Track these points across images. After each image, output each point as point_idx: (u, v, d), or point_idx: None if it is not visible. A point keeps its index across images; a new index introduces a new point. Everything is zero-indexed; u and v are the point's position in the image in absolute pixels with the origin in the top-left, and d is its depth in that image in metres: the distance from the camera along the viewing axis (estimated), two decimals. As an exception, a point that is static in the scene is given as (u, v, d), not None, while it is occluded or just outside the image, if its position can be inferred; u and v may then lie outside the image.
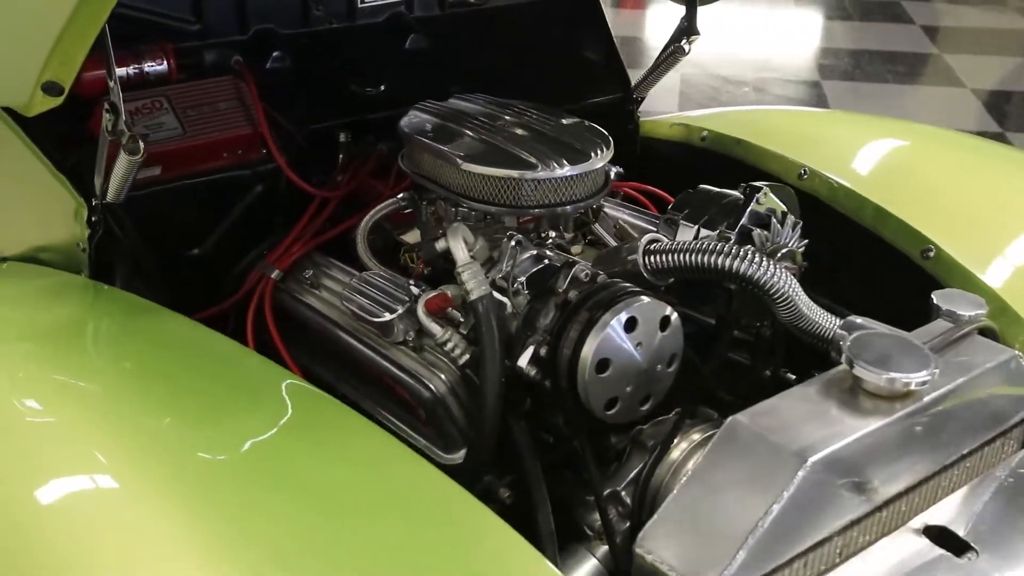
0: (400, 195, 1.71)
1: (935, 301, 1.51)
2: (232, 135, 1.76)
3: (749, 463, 1.19)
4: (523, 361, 1.39)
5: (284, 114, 1.88)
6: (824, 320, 1.49)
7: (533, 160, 1.58)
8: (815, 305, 1.51)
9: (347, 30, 2.02)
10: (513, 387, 1.43)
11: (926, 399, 1.28)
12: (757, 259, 1.46)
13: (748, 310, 1.58)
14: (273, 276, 1.71)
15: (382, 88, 2.02)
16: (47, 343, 1.39)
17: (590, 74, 2.27)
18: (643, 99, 2.25)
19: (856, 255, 1.90)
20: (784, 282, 1.48)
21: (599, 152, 1.64)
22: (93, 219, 1.59)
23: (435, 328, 1.46)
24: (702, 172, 2.20)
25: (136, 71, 1.74)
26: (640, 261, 1.52)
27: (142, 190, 1.69)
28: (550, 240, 1.68)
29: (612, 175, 1.73)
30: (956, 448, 1.34)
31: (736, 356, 1.66)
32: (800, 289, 1.50)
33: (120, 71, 1.72)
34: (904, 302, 1.53)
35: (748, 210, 1.60)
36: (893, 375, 1.24)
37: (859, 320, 1.53)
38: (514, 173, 1.57)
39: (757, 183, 1.64)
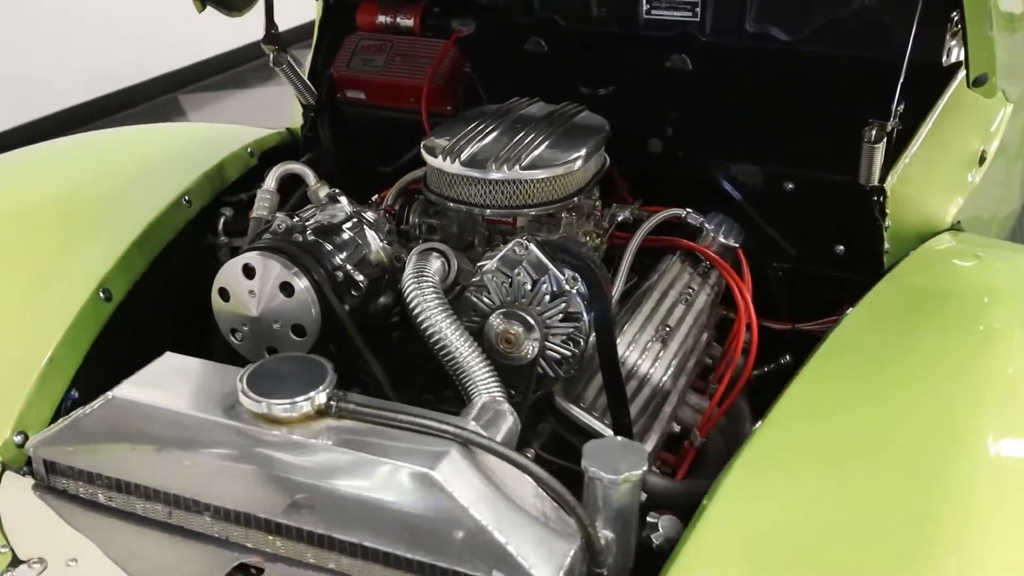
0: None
1: (586, 464, 1.26)
2: (415, 84, 2.16)
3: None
4: None
5: (503, 88, 2.17)
6: (480, 380, 1.43)
7: (461, 159, 1.68)
8: (482, 365, 1.43)
9: (618, 35, 2.13)
10: None
11: (276, 436, 1.24)
12: (427, 293, 1.44)
13: None
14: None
15: (611, 89, 2.11)
16: None
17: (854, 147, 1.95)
18: (882, 189, 1.85)
19: None
20: (440, 325, 1.43)
21: (518, 167, 1.66)
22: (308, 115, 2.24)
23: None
24: None
25: (391, 21, 2.26)
26: (412, 259, 1.59)
27: (350, 108, 2.25)
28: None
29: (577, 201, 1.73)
30: (317, 521, 1.23)
31: None
32: (469, 343, 1.44)
33: (381, 18, 2.28)
34: None
35: (501, 254, 1.49)
36: (234, 385, 1.26)
37: (486, 400, 1.40)
38: (438, 162, 1.72)
39: (533, 237, 1.51)
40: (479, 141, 1.74)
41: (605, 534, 1.25)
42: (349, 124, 2.26)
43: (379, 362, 1.62)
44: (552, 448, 1.55)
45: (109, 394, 1.31)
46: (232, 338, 1.59)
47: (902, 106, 1.74)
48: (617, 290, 1.71)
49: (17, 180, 1.94)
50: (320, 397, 1.24)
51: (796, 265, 1.99)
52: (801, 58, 1.98)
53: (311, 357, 1.31)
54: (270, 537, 1.27)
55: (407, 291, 1.46)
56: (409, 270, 1.49)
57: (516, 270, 1.48)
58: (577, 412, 1.57)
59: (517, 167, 1.67)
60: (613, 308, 1.68)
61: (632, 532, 1.28)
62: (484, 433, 1.26)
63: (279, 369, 1.29)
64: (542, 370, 1.50)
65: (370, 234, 1.67)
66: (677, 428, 1.76)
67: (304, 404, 1.23)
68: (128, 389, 1.32)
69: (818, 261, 1.95)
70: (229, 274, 1.55)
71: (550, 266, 1.47)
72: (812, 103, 1.94)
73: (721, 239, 1.85)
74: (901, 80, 1.74)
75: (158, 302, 1.74)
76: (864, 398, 1.36)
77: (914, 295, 1.69)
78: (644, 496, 1.59)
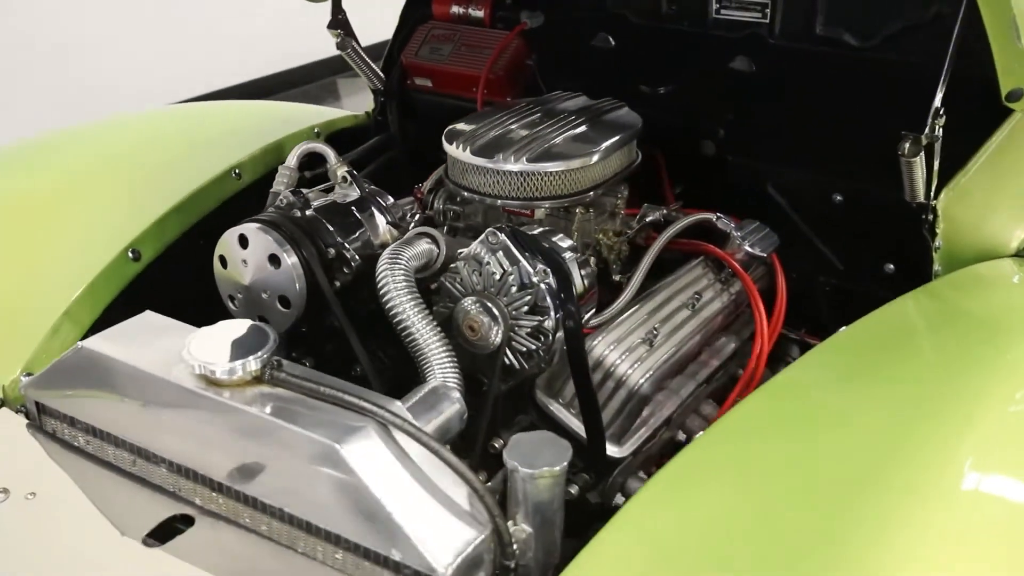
0: None
1: (506, 456, 1.25)
2: (477, 74, 2.18)
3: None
4: None
5: (563, 82, 2.17)
6: (437, 364, 1.44)
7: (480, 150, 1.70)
8: (441, 350, 1.45)
9: (686, 33, 2.09)
10: None
11: (211, 397, 1.30)
12: (396, 275, 1.47)
13: None
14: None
15: (670, 88, 2.08)
16: None
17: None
18: (932, 207, 1.74)
19: None
20: (404, 306, 1.46)
21: (523, 160, 1.66)
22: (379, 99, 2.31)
23: None
24: None
25: (463, 11, 2.29)
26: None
27: (418, 95, 2.30)
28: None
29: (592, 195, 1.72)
30: (247, 484, 1.28)
31: None
32: (431, 327, 1.45)
33: (455, 8, 2.32)
34: None
35: (478, 241, 1.50)
36: (178, 341, 1.32)
37: (437, 384, 1.41)
38: (452, 149, 1.74)
39: (508, 227, 1.49)
40: (499, 131, 1.75)
41: (524, 528, 1.25)
42: (417, 110, 2.31)
43: (384, 340, 1.66)
44: None
45: (79, 344, 1.40)
46: (231, 304, 1.66)
47: (942, 119, 1.63)
48: (631, 290, 1.68)
49: (75, 145, 2.08)
50: (253, 364, 1.28)
51: (843, 281, 1.91)
52: (864, 65, 1.89)
53: (259, 324, 1.35)
54: (213, 494, 1.33)
55: (379, 271, 1.49)
56: (387, 252, 1.52)
57: (488, 259, 1.48)
58: (554, 408, 1.56)
59: (525, 158, 1.66)
60: (620, 308, 1.65)
61: (555, 528, 1.26)
62: (406, 414, 1.27)
63: (229, 334, 1.33)
64: (508, 361, 1.50)
65: (379, 216, 1.71)
66: (683, 436, 1.72)
67: (238, 368, 1.28)
68: (97, 341, 1.41)
69: (867, 278, 1.86)
70: (227, 243, 1.62)
71: (520, 257, 1.47)
72: (867, 112, 1.85)
73: (747, 247, 1.79)
74: (940, 91, 1.63)
75: (190, 267, 1.82)
76: (812, 419, 1.30)
77: (927, 316, 1.59)
78: (622, 499, 1.57)
